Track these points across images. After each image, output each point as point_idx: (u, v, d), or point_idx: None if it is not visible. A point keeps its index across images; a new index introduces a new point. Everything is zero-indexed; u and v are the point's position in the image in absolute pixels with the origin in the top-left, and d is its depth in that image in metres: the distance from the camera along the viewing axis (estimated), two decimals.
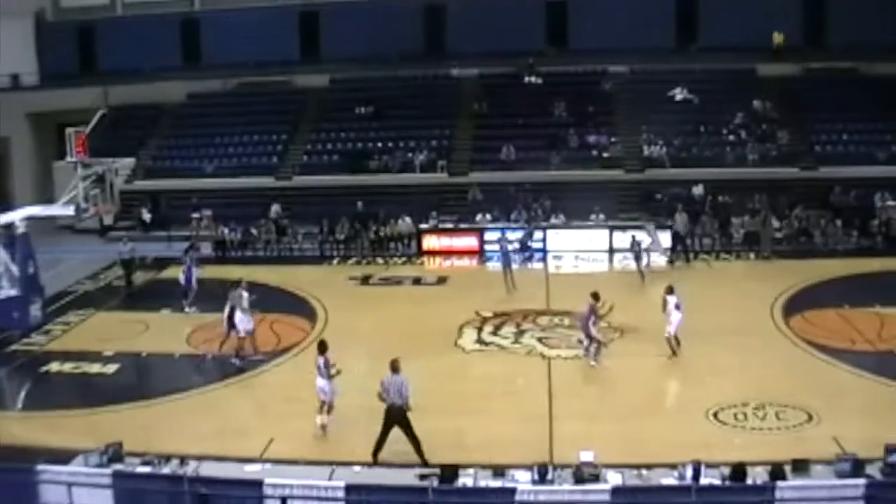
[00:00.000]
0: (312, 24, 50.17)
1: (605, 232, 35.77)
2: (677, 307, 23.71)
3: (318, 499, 14.33)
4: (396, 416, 18.05)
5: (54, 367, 25.35)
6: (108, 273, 34.64)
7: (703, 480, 15.25)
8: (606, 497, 14.31)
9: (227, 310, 24.72)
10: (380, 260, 35.95)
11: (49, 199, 36.80)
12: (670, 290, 24.11)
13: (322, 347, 20.15)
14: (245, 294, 24.79)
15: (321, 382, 19.70)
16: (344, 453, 18.42)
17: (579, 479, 15.64)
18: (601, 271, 34.22)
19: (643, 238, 32.56)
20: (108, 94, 46.65)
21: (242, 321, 24.52)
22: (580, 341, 24.25)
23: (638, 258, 31.67)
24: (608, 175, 40.70)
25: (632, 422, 19.80)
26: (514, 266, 31.49)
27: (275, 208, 39.79)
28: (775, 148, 40.97)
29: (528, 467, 16.17)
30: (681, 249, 34.30)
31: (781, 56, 45.08)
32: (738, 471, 15.30)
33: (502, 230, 34.80)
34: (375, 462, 18.00)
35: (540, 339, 25.64)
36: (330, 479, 16.14)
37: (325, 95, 48.40)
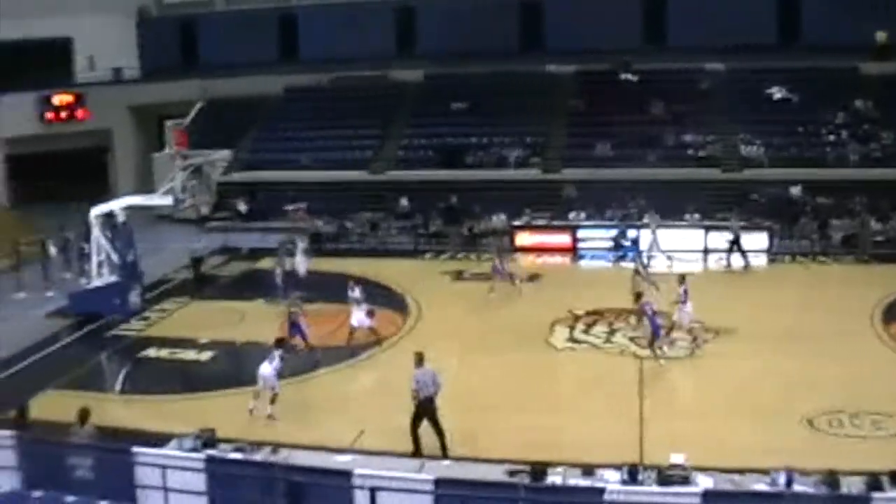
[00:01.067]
0: (408, 20, 50.47)
1: (700, 232, 35.29)
2: (685, 297, 24.18)
3: (407, 491, 14.34)
4: (429, 408, 18.48)
5: (152, 352, 26.07)
6: (206, 263, 35.19)
7: (796, 488, 14.95)
8: (697, 500, 14.09)
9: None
10: (473, 255, 35.89)
11: (149, 190, 37.54)
12: (682, 280, 24.68)
13: (280, 342, 21.54)
14: (357, 293, 25.82)
15: (268, 371, 20.61)
16: (433, 447, 18.50)
17: (667, 480, 15.46)
18: (695, 271, 33.69)
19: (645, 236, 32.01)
20: (208, 87, 47.37)
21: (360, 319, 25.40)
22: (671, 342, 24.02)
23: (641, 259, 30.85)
24: (704, 174, 40.01)
25: (724, 425, 19.57)
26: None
27: (403, 202, 39.60)
28: (878, 149, 39.98)
29: (618, 467, 16.04)
30: (737, 251, 33.67)
31: (884, 54, 43.91)
32: (832, 479, 14.96)
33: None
34: (417, 455, 18.32)
35: (632, 339, 25.42)
36: (419, 472, 16.18)
37: (421, 90, 48.51)
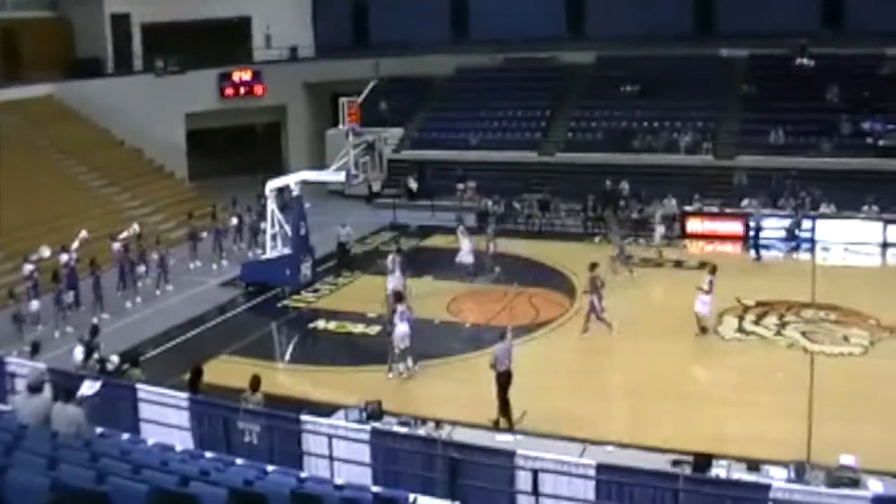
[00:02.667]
0: (579, 1, 50.08)
1: (879, 225, 33.94)
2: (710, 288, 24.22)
3: (569, 475, 14.25)
4: (507, 379, 19.02)
5: (321, 324, 26.77)
6: (375, 238, 35.74)
7: None
8: None
9: None
10: (641, 241, 35.32)
11: (321, 165, 38.30)
12: (713, 270, 24.70)
13: (398, 297, 22.84)
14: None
15: (404, 329, 21.61)
16: (597, 432, 18.40)
17: (836, 482, 14.93)
18: (872, 265, 32.56)
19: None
20: (380, 66, 47.99)
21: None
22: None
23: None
24: (884, 164, 38.26)
25: None
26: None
27: (624, 185, 38.15)
28: None
29: (784, 465, 15.62)
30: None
31: None
32: None
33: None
34: (511, 426, 18.74)
35: (803, 333, 24.61)
36: (581, 456, 16.07)
37: (591, 73, 48.15)
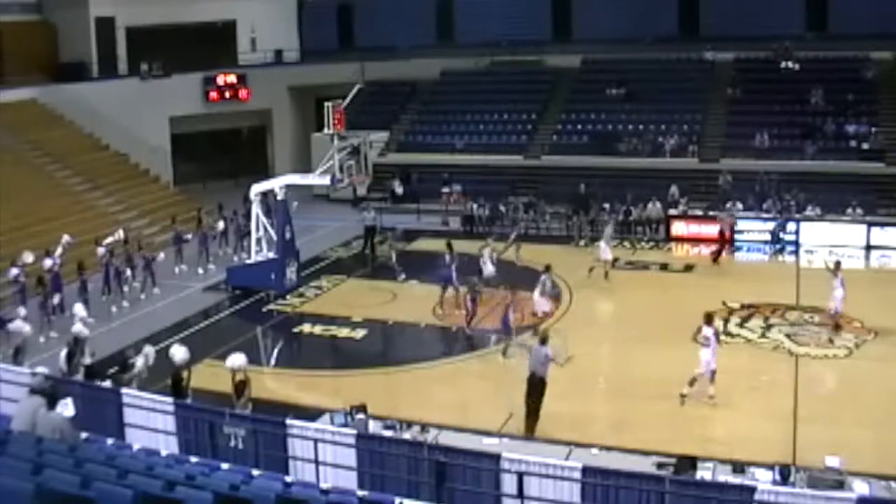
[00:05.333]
0: (565, 4, 50.17)
1: (863, 227, 34.07)
2: (842, 283, 24.29)
3: (555, 478, 14.23)
4: (537, 385, 18.84)
5: (306, 328, 26.66)
6: (361, 242, 35.70)
7: None
8: None
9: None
10: (626, 244, 35.32)
11: (307, 169, 38.24)
12: (838, 265, 24.91)
13: (709, 319, 21.02)
14: (547, 281, 26.31)
15: (707, 354, 20.45)
16: (583, 434, 18.40)
17: (820, 484, 14.96)
18: (856, 268, 32.62)
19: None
20: (365, 69, 47.97)
21: (540, 303, 25.97)
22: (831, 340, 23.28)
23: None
24: (868, 168, 38.51)
25: (884, 430, 18.77)
26: None
27: (673, 189, 37.89)
28: None
29: (770, 467, 15.65)
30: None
31: None
32: None
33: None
34: (533, 433, 18.55)
35: (788, 335, 24.71)
36: (567, 459, 16.06)
37: (577, 76, 48.28)
